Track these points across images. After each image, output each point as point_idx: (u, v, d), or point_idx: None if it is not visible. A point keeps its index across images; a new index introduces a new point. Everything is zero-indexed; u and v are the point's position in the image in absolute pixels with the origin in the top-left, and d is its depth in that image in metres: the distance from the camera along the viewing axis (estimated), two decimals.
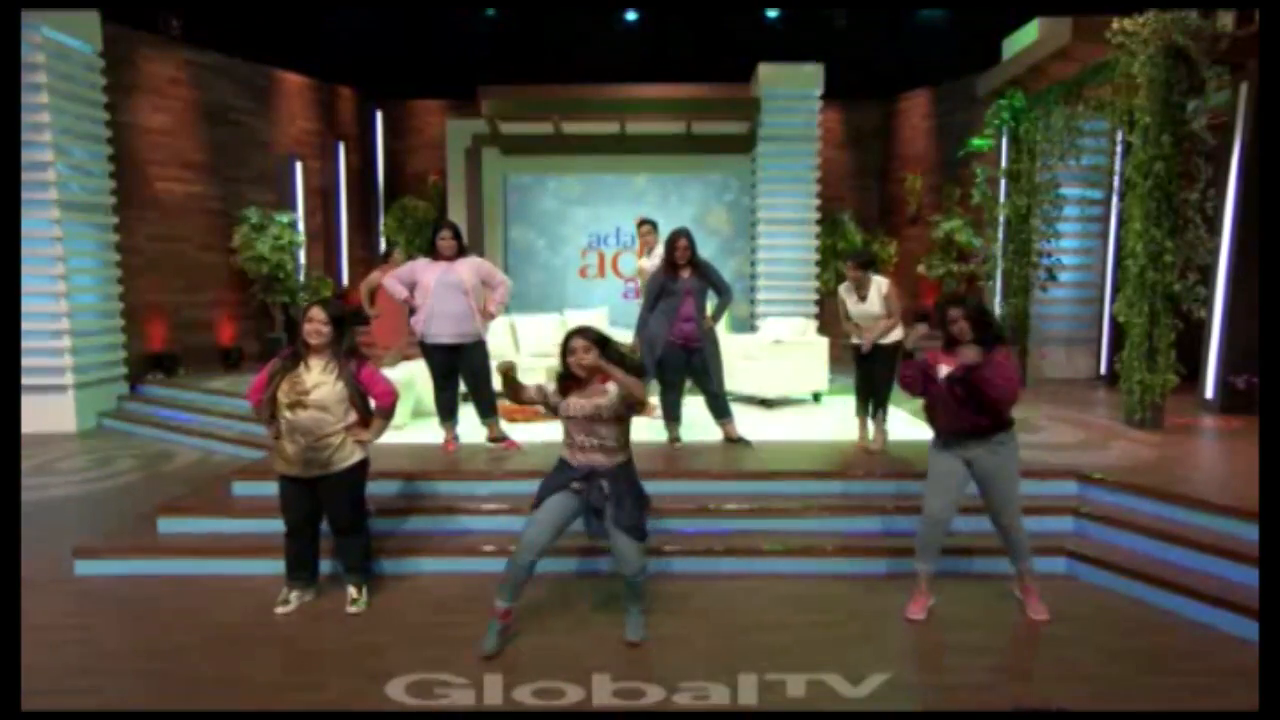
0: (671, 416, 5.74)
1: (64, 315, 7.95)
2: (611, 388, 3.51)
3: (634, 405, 3.53)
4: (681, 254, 5.53)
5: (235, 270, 10.38)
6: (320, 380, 3.80)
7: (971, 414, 3.71)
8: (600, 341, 3.54)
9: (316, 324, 3.80)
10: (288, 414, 3.77)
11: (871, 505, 4.83)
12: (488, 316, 5.37)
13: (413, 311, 5.34)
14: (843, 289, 5.54)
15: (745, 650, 3.55)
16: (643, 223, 6.61)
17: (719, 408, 5.81)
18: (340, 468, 3.88)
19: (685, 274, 5.57)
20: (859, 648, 3.61)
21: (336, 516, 3.98)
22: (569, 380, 3.57)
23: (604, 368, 3.48)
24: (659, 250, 6.53)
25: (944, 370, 3.75)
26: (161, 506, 4.93)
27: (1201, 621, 3.82)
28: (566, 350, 3.54)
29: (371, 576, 4.19)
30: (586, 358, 3.48)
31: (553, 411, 3.62)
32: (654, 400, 5.69)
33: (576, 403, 3.53)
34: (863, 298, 5.40)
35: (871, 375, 5.49)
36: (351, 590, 4.02)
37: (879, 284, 5.37)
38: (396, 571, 4.41)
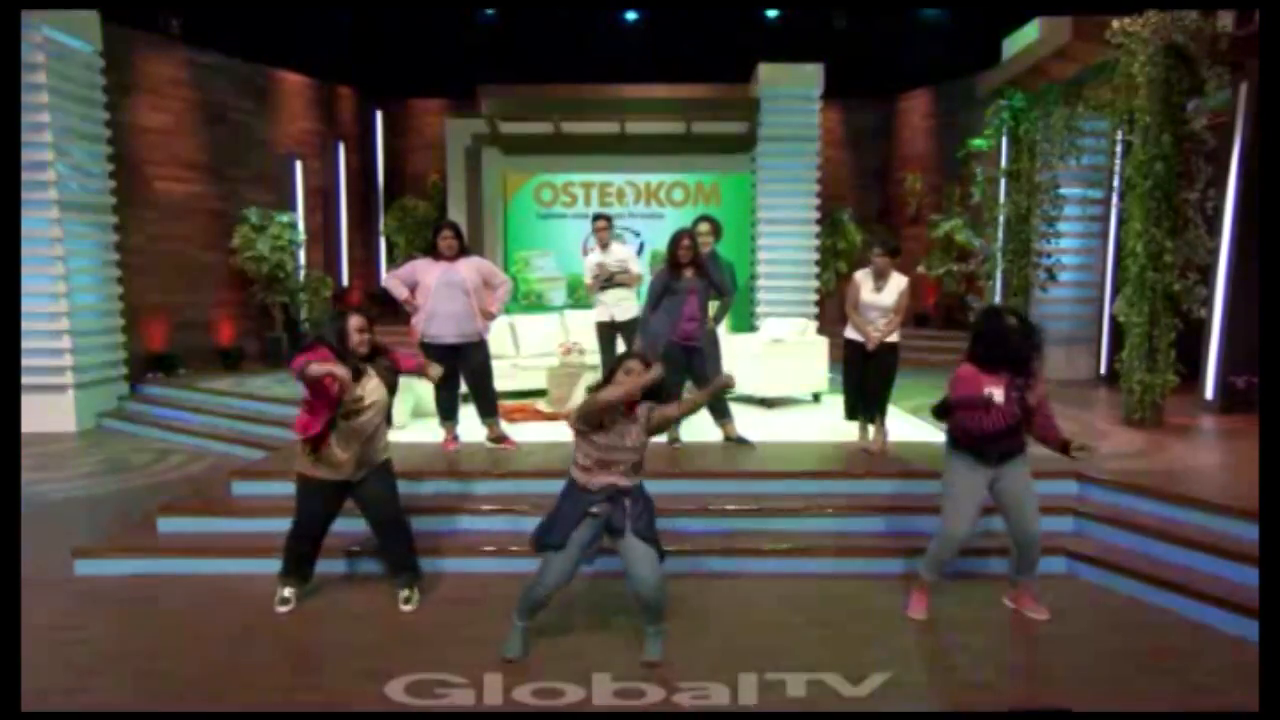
0: None
1: (64, 315, 7.94)
2: (641, 411, 3.45)
3: (660, 428, 3.51)
4: (684, 253, 5.51)
5: (235, 270, 10.37)
6: (370, 386, 3.80)
7: (1018, 434, 3.66)
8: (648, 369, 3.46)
9: (365, 334, 3.77)
10: (342, 421, 3.74)
11: (871, 505, 4.83)
12: (488, 316, 5.37)
13: (413, 312, 5.34)
14: (859, 275, 5.42)
15: (745, 650, 3.55)
16: (598, 218, 6.60)
17: (719, 408, 5.81)
18: (381, 459, 3.96)
19: (688, 273, 5.56)
20: (859, 647, 3.61)
21: (387, 508, 3.96)
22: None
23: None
24: (615, 246, 6.53)
25: (998, 394, 3.57)
26: (161, 506, 4.93)
27: (1201, 621, 3.82)
28: (620, 369, 3.44)
29: (420, 575, 4.12)
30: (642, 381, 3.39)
31: (595, 426, 3.40)
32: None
33: (628, 426, 3.42)
34: (879, 288, 5.31)
35: (869, 375, 5.43)
36: (404, 591, 4.01)
37: (898, 280, 5.31)
38: None
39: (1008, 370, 3.59)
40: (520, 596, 3.52)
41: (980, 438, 3.61)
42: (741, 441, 5.76)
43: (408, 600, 3.99)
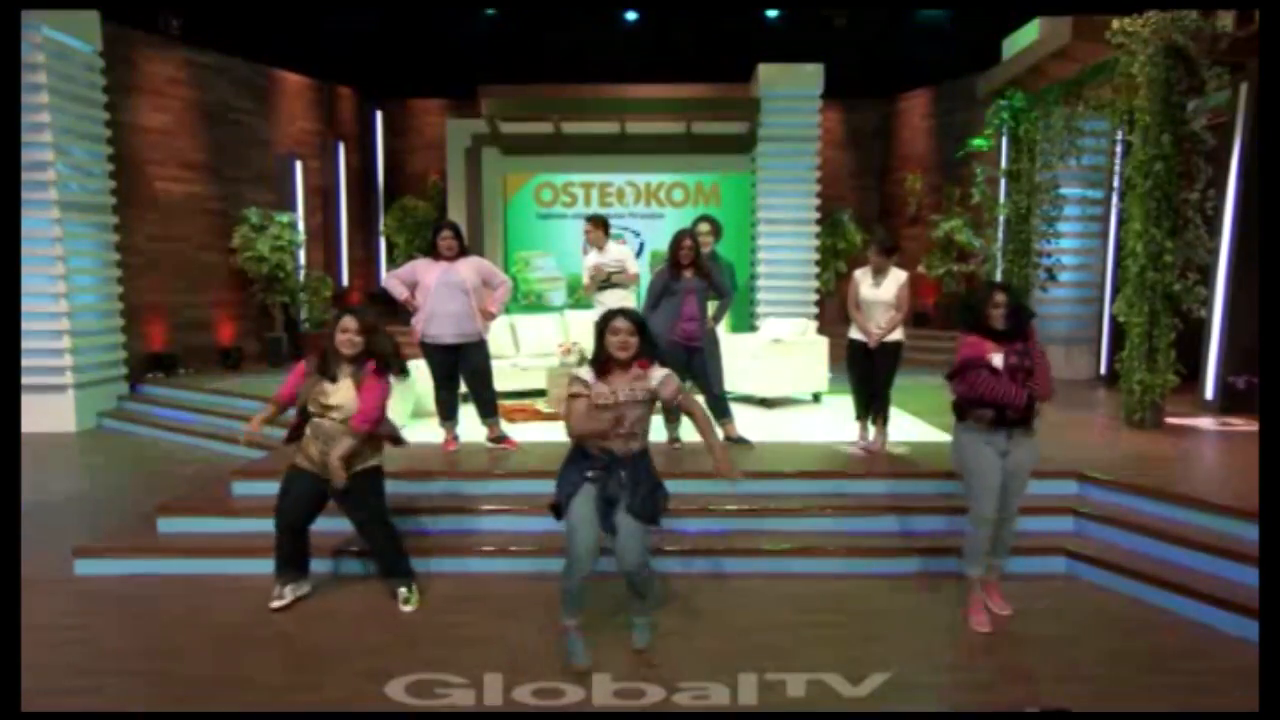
0: (671, 416, 5.74)
1: (64, 315, 7.94)
2: (656, 375, 3.35)
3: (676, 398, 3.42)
4: (685, 255, 5.53)
5: (235, 270, 10.37)
6: (346, 398, 3.85)
7: (1025, 404, 3.66)
8: (641, 327, 3.35)
9: (350, 334, 3.83)
10: (313, 419, 3.90)
11: (871, 505, 4.83)
12: (488, 316, 5.37)
13: (414, 311, 5.34)
14: (859, 272, 5.47)
15: (745, 650, 3.56)
16: (589, 219, 6.61)
17: (719, 408, 5.81)
18: (359, 466, 3.94)
19: (688, 274, 5.58)
20: (859, 647, 3.61)
21: (361, 513, 4.00)
22: (604, 363, 3.34)
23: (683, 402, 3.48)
24: (610, 246, 6.53)
25: (998, 359, 3.67)
26: (161, 506, 4.93)
27: (1201, 621, 3.82)
28: (608, 330, 3.32)
29: (414, 575, 4.13)
30: (632, 340, 3.30)
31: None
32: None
33: (614, 387, 3.30)
34: (878, 283, 5.34)
35: (872, 374, 5.46)
36: (402, 591, 4.03)
37: (897, 275, 5.34)
38: None
39: (1004, 336, 3.70)
40: (560, 600, 3.50)
41: (983, 401, 3.66)
42: (741, 441, 5.77)
43: (407, 600, 4.00)
